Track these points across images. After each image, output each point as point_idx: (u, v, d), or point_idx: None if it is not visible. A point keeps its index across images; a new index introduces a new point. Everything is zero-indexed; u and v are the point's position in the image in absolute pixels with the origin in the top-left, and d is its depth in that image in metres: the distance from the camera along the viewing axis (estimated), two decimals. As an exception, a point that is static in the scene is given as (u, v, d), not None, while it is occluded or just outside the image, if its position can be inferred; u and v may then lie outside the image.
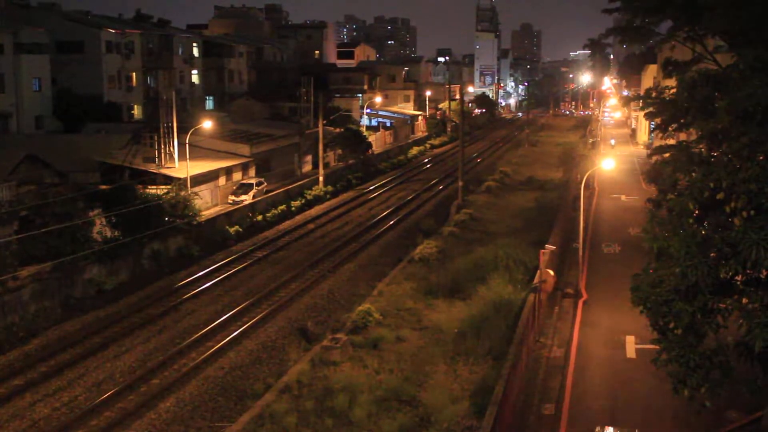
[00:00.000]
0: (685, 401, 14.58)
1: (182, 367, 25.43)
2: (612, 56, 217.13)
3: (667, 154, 21.93)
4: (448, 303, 29.46)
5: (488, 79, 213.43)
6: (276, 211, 48.73)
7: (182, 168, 44.04)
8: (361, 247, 41.87)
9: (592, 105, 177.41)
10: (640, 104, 32.43)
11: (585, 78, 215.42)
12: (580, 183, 34.67)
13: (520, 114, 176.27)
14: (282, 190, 53.28)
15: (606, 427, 18.54)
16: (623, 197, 50.97)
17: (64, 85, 59.59)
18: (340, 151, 67.54)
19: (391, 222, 48.45)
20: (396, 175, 69.75)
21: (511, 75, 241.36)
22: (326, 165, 61.17)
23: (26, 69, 55.30)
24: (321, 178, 57.12)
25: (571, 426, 18.81)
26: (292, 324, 29.68)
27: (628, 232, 38.87)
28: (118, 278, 34.65)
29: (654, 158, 28.74)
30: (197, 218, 40.80)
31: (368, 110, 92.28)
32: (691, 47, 30.49)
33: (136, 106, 68.03)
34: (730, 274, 13.18)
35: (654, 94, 29.80)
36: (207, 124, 47.64)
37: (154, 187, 41.98)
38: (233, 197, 48.47)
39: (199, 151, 47.45)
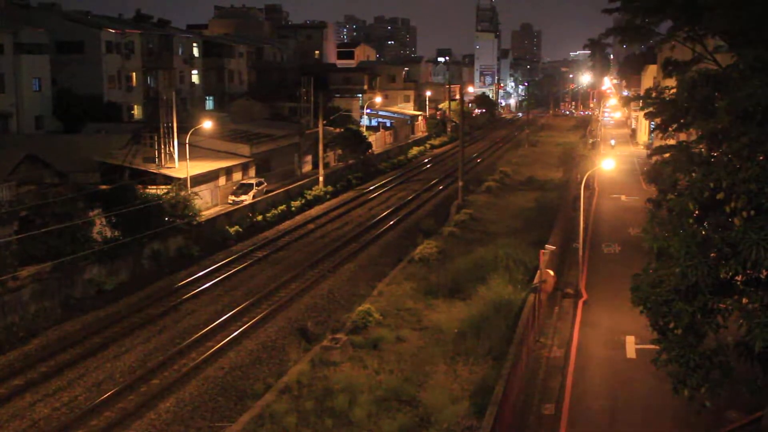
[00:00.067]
0: (685, 401, 14.58)
1: (182, 367, 25.43)
2: (612, 56, 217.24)
3: (667, 154, 21.94)
4: (448, 303, 29.46)
5: (488, 79, 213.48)
6: (276, 211, 48.74)
7: (182, 168, 44.05)
8: (361, 247, 41.87)
9: (592, 105, 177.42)
10: (640, 104, 32.41)
11: (585, 78, 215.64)
12: (580, 183, 34.68)
13: (520, 114, 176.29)
14: (282, 190, 53.28)
15: None
16: (623, 197, 50.98)
17: (64, 85, 59.57)
18: (340, 151, 67.54)
19: (391, 222, 48.46)
20: (396, 175, 69.75)
21: (511, 75, 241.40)
22: (326, 165, 61.17)
23: (26, 69, 55.30)
24: (321, 178, 57.12)
25: (571, 426, 18.81)
26: (292, 324, 29.68)
27: (628, 232, 38.88)
28: (118, 278, 34.65)
29: (654, 158, 28.73)
30: (197, 218, 40.80)
31: (368, 110, 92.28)
32: (691, 47, 30.47)
33: (136, 106, 68.02)
34: (730, 274, 13.18)
35: (654, 94, 29.79)
36: (207, 124, 47.65)
37: (154, 187, 41.98)
38: (233, 197, 48.47)
39: (199, 151, 47.46)
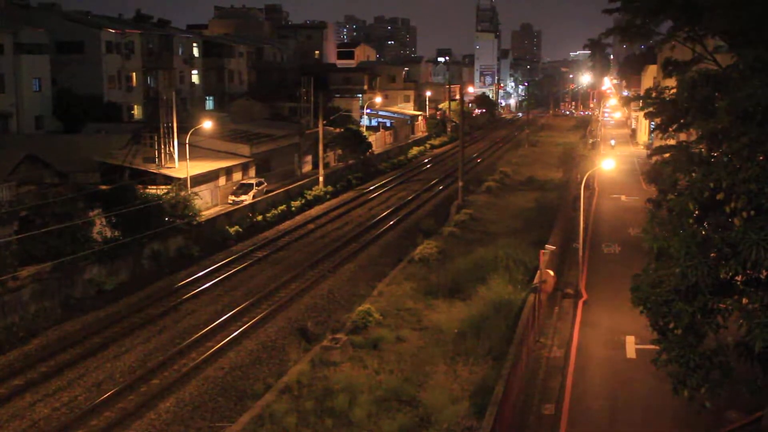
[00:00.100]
0: (685, 401, 14.57)
1: (182, 367, 25.43)
2: (612, 56, 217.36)
3: (667, 155, 21.96)
4: (448, 303, 29.44)
5: (488, 80, 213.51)
6: (276, 212, 48.73)
7: (182, 168, 44.05)
8: (361, 247, 41.87)
9: (592, 105, 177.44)
10: (640, 104, 32.38)
11: (585, 78, 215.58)
12: (580, 183, 34.68)
13: (520, 114, 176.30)
14: (282, 190, 53.28)
15: None
16: (623, 197, 50.98)
17: (64, 85, 59.57)
18: (340, 152, 67.54)
19: (391, 222, 48.46)
20: (396, 175, 69.75)
21: (511, 75, 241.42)
22: (326, 165, 61.18)
23: (26, 69, 55.30)
24: (321, 179, 57.12)
25: (571, 426, 18.81)
26: (292, 324, 29.68)
27: (628, 232, 38.89)
28: (118, 278, 34.65)
29: (654, 158, 28.74)
30: (197, 218, 40.80)
31: (368, 110, 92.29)
32: (691, 47, 30.44)
33: (136, 106, 68.02)
34: (730, 274, 13.18)
35: (654, 94, 29.77)
36: (207, 124, 47.65)
37: (154, 187, 41.98)
38: (233, 197, 48.47)
39: (199, 151, 47.46)
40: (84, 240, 32.89)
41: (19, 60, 54.57)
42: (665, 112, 27.77)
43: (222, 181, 49.39)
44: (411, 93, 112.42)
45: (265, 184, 52.02)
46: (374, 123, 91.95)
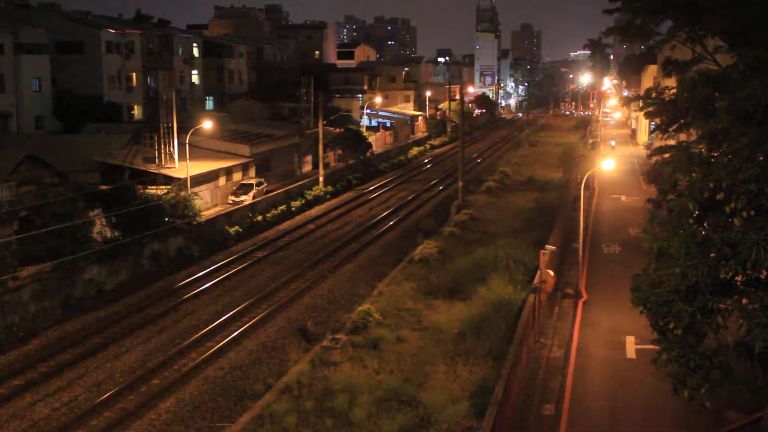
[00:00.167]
0: (685, 401, 14.56)
1: (182, 367, 25.43)
2: (612, 56, 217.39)
3: (667, 155, 21.90)
4: (448, 303, 29.44)
5: (488, 80, 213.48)
6: (276, 212, 48.74)
7: (182, 168, 44.05)
8: (361, 247, 41.87)
9: (592, 105, 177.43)
10: (640, 104, 32.43)
11: (585, 78, 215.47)
12: (580, 183, 34.68)
13: (520, 114, 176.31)
14: (282, 190, 53.28)
15: None
16: (623, 197, 50.99)
17: (64, 85, 59.58)
18: (340, 152, 67.54)
19: (391, 222, 48.46)
20: (396, 175, 69.75)
21: (511, 75, 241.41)
22: (326, 165, 61.18)
23: (26, 69, 55.31)
24: (321, 179, 57.12)
25: (571, 426, 18.81)
26: (292, 324, 29.67)
27: (628, 232, 38.89)
28: (118, 278, 34.65)
29: (654, 159, 28.72)
30: (197, 218, 40.80)
31: (368, 110, 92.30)
32: (691, 47, 30.48)
33: (136, 106, 68.03)
34: (730, 274, 13.18)
35: (654, 95, 29.81)
36: (207, 125, 47.65)
37: (154, 187, 41.99)
38: (233, 197, 48.48)
39: (199, 152, 47.46)
40: (84, 240, 32.90)
41: (19, 60, 54.57)
42: (665, 112, 27.79)
43: (222, 181, 49.39)
44: (411, 93, 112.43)
45: (265, 184, 52.03)
46: (374, 123, 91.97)
